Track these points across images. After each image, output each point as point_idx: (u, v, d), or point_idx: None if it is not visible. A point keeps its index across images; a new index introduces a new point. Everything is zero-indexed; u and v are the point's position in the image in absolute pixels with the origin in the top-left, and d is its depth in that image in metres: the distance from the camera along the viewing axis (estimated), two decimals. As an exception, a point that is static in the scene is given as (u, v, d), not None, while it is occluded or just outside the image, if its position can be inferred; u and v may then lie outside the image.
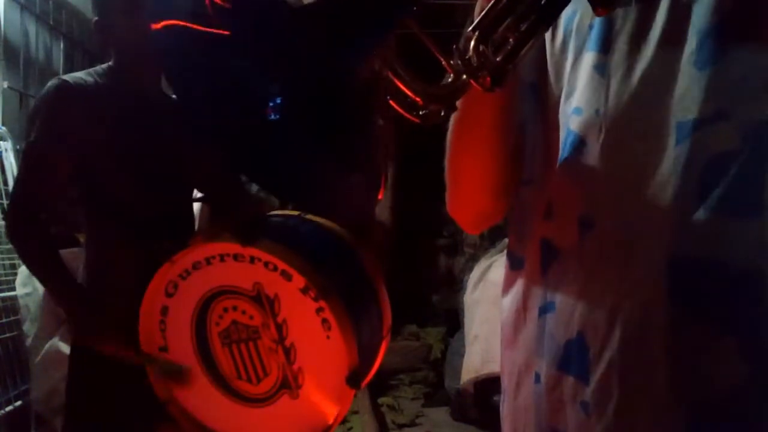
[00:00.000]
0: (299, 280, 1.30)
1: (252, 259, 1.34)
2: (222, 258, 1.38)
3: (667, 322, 0.67)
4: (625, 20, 0.74)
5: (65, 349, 2.72)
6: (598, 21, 0.76)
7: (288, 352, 1.35)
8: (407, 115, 0.67)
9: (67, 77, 1.66)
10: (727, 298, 0.66)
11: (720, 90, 0.66)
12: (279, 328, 1.35)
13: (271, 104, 0.72)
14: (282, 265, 1.31)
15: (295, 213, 1.63)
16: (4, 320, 2.86)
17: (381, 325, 1.49)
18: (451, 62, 0.65)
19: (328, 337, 1.29)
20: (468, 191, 0.92)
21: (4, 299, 2.88)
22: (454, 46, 0.64)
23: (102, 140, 1.64)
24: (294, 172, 0.78)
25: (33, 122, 1.64)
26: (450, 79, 0.66)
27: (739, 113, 0.66)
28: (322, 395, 1.34)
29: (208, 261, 1.40)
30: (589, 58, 0.77)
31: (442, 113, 0.67)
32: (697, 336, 0.66)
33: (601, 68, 0.75)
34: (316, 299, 1.29)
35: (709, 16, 0.68)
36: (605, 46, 0.75)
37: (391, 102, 0.66)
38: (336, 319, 1.26)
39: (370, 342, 1.40)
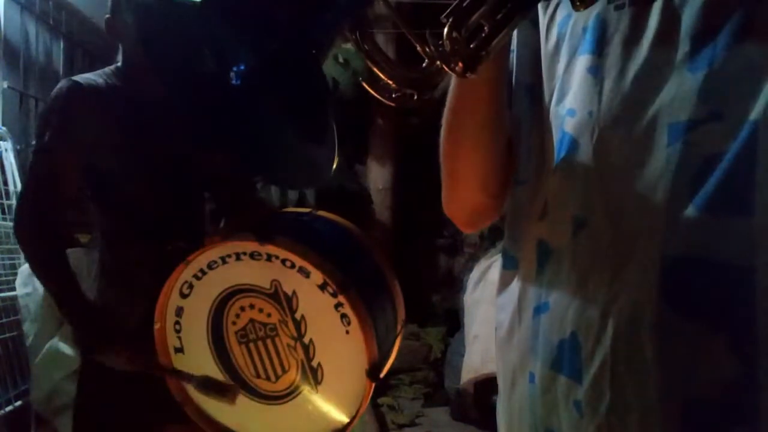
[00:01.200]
0: (317, 277, 1.30)
1: (269, 257, 1.34)
2: (238, 257, 1.38)
3: (659, 321, 0.68)
4: (619, 23, 0.75)
5: (65, 349, 2.73)
6: (591, 24, 0.77)
7: (307, 348, 1.35)
8: (379, 97, 0.67)
9: (78, 78, 1.65)
10: (719, 296, 0.66)
11: (712, 92, 0.67)
12: (297, 324, 1.35)
13: (234, 70, 0.73)
14: (300, 262, 1.31)
15: (307, 210, 1.63)
16: (4, 320, 2.86)
17: (395, 319, 1.49)
18: (426, 48, 0.66)
19: (347, 332, 1.29)
20: (462, 190, 0.93)
21: (4, 299, 2.87)
22: (428, 32, 0.64)
23: (114, 141, 1.64)
24: (252, 137, 0.79)
25: (45, 123, 1.64)
26: (424, 65, 0.67)
27: (731, 114, 0.66)
28: (342, 390, 1.35)
29: (223, 260, 1.40)
30: (583, 60, 0.77)
31: (415, 97, 0.68)
32: (689, 334, 0.67)
33: (595, 70, 0.76)
34: (334, 295, 1.29)
35: (700, 18, 0.69)
36: (599, 49, 0.76)
37: (363, 84, 0.66)
38: (355, 314, 1.26)
39: (386, 336, 1.41)
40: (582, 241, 0.75)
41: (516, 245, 0.89)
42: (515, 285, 0.88)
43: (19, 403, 2.84)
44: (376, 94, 0.67)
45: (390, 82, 0.65)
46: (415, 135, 4.76)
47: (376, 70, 0.65)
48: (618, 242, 0.72)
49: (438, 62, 0.65)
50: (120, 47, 1.75)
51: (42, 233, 1.62)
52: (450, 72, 0.64)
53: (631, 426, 0.70)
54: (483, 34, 0.64)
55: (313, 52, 0.66)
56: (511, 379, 0.86)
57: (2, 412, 2.74)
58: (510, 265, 0.90)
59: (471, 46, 0.63)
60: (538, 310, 0.81)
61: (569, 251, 0.77)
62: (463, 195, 0.93)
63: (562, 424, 0.77)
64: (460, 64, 0.63)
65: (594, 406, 0.72)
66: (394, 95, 0.67)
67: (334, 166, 0.76)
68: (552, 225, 0.80)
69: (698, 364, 0.66)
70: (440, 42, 0.63)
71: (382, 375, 1.29)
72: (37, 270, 1.68)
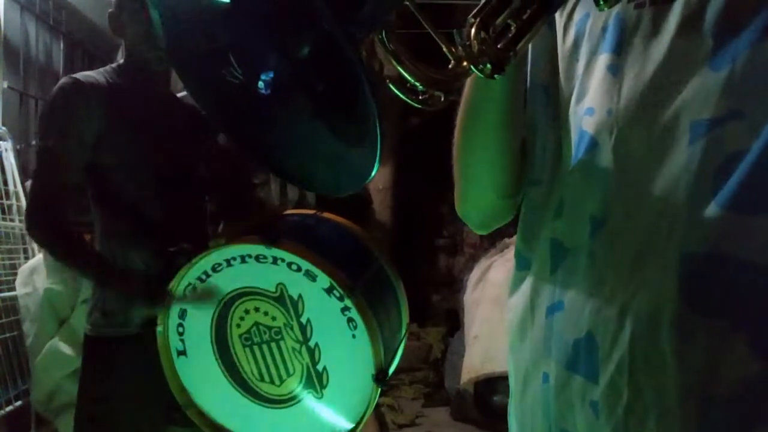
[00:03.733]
0: (324, 280, 1.30)
1: (275, 260, 1.34)
2: (243, 259, 1.38)
3: (679, 320, 0.67)
4: (639, 22, 0.74)
5: (65, 349, 2.72)
6: (611, 23, 0.76)
7: (312, 352, 1.35)
8: (406, 99, 0.66)
9: (78, 75, 1.64)
10: (741, 295, 0.66)
11: (734, 90, 0.66)
12: (303, 328, 1.35)
13: (264, 78, 0.72)
14: (306, 265, 1.31)
15: (312, 212, 1.63)
16: (4, 320, 2.84)
17: (401, 323, 1.49)
18: (453, 49, 0.65)
19: (353, 336, 1.29)
20: (475, 190, 0.93)
21: (4, 299, 2.86)
22: (455, 32, 0.63)
23: (115, 139, 1.63)
24: (289, 144, 0.79)
25: (46, 121, 1.63)
26: (451, 66, 0.66)
27: (754, 113, 0.65)
28: (348, 394, 1.34)
29: (228, 263, 1.40)
30: (602, 59, 0.77)
31: (442, 99, 0.67)
32: (709, 333, 0.66)
33: (615, 69, 0.75)
34: (341, 299, 1.29)
35: (723, 16, 0.68)
36: (619, 48, 0.75)
37: (390, 85, 0.65)
38: (362, 318, 1.26)
39: (391, 339, 1.41)
40: (600, 240, 0.74)
41: (529, 246, 0.88)
42: (527, 284, 0.87)
43: (19, 403, 2.83)
44: (404, 97, 0.66)
45: (417, 84, 0.65)
46: (415, 135, 4.76)
47: (402, 71, 0.64)
48: (637, 241, 0.71)
49: (465, 63, 0.64)
50: (122, 43, 1.74)
51: (55, 226, 1.61)
52: (478, 73, 0.64)
53: (649, 426, 0.69)
54: (510, 34, 0.63)
55: (354, 47, 0.65)
56: (523, 379, 0.85)
57: (2, 412, 2.73)
58: (523, 266, 0.89)
59: (499, 46, 0.63)
60: (552, 309, 0.80)
61: (586, 250, 0.76)
62: (477, 196, 0.93)
63: (577, 425, 0.76)
64: (489, 65, 0.62)
65: (611, 406, 0.72)
66: (421, 97, 0.66)
67: (376, 169, 0.75)
68: (568, 224, 0.79)
69: (719, 364, 0.66)
70: (467, 43, 0.62)
71: (387, 379, 1.29)
72: (62, 259, 1.68)
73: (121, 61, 1.74)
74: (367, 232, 1.58)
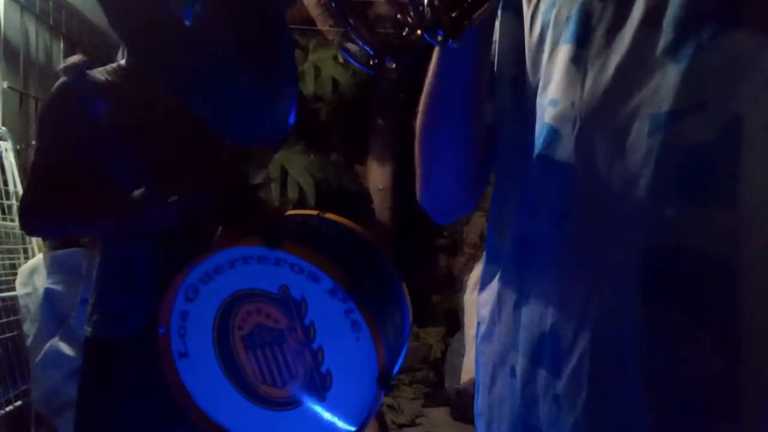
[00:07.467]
0: (327, 282, 1.29)
1: (278, 261, 1.33)
2: (245, 261, 1.37)
3: (639, 314, 0.67)
4: (603, 13, 0.74)
5: (65, 349, 2.72)
6: (575, 13, 0.76)
7: (315, 354, 1.35)
8: (357, 65, 0.66)
9: None
10: (702, 290, 0.66)
11: (696, 82, 0.66)
12: (306, 330, 1.35)
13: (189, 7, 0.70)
14: (309, 267, 1.30)
15: (314, 213, 1.63)
16: (4, 320, 2.84)
17: (404, 324, 1.49)
18: (407, 16, 0.63)
19: (357, 338, 1.29)
20: (437, 180, 0.92)
21: (4, 299, 2.86)
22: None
23: (113, 138, 1.62)
24: (211, 83, 0.78)
25: (46, 120, 1.63)
26: (405, 33, 0.65)
27: (715, 105, 0.65)
28: (351, 397, 1.34)
29: (230, 264, 1.39)
30: (565, 50, 0.76)
31: (394, 66, 0.66)
32: (670, 328, 0.66)
33: (578, 61, 0.74)
34: (344, 301, 1.29)
35: (686, 7, 0.68)
36: (582, 39, 0.75)
37: (342, 51, 0.65)
38: (366, 320, 1.26)
39: (394, 341, 1.40)
40: (564, 234, 0.74)
41: (499, 240, 0.88)
42: (496, 279, 0.87)
43: (19, 403, 2.83)
44: (354, 62, 0.65)
45: (367, 48, 0.64)
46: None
47: (353, 35, 0.63)
48: (600, 234, 0.71)
49: (419, 30, 0.63)
50: (123, 46, 1.74)
51: (49, 225, 1.62)
52: (430, 40, 0.62)
53: (608, 420, 0.70)
54: (466, 2, 0.62)
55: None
56: (491, 373, 0.86)
57: (2, 412, 2.72)
58: (493, 260, 0.89)
59: (453, 15, 0.62)
60: (519, 303, 0.81)
61: (550, 244, 0.76)
62: (439, 186, 0.93)
63: (541, 419, 0.76)
64: (441, 33, 0.61)
65: (572, 399, 0.72)
66: (371, 62, 0.65)
67: (291, 120, 0.73)
68: (534, 218, 0.79)
69: (679, 359, 0.66)
70: (420, 9, 0.61)
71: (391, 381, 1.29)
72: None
73: (122, 62, 1.73)
74: (369, 232, 1.58)
